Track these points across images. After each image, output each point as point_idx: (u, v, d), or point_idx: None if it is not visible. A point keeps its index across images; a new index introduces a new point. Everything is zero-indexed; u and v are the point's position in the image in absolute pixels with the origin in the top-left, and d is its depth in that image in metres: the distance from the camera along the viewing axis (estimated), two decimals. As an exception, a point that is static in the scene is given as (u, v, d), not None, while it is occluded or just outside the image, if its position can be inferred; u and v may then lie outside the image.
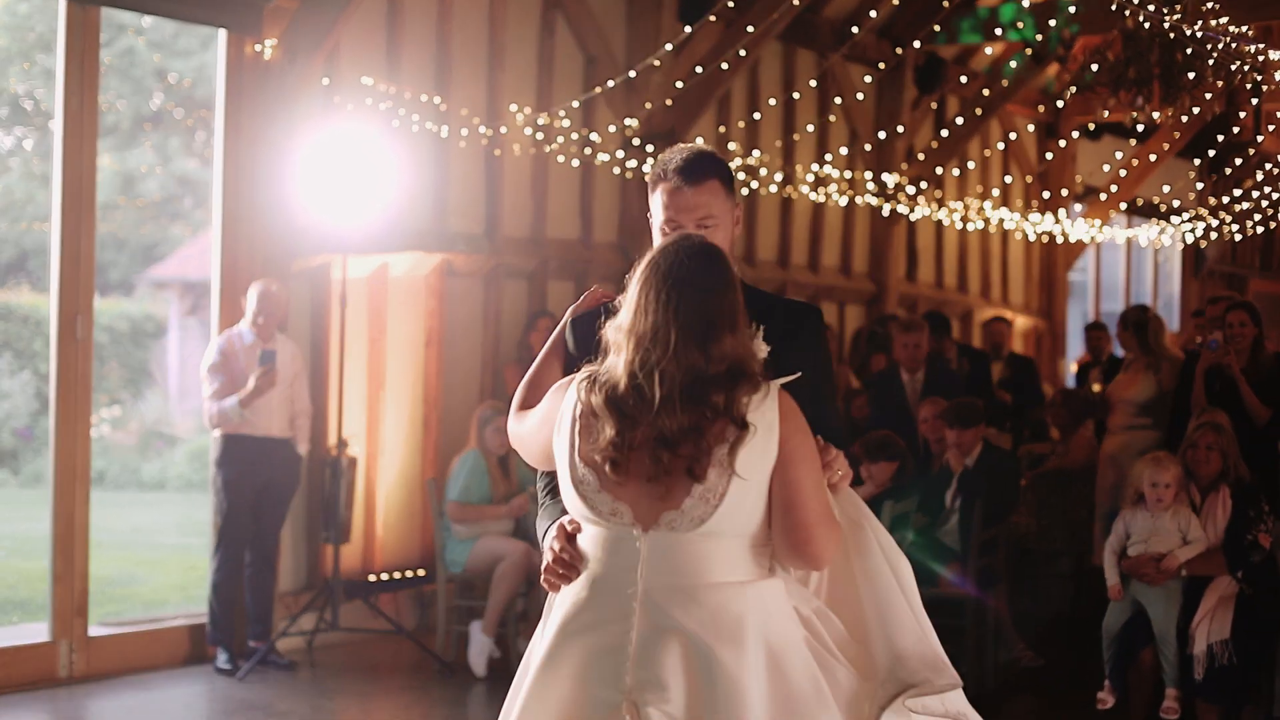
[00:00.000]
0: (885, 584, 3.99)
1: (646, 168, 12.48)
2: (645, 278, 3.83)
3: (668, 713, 3.73)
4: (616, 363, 3.81)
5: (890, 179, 15.02)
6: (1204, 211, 15.25)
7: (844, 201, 14.78)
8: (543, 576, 4.00)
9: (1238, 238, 15.17)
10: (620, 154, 12.36)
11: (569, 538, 3.96)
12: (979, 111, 16.31)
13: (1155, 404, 11.05)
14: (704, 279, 3.81)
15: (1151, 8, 10.52)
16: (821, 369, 4.39)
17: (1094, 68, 11.55)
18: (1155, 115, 11.69)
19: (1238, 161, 13.64)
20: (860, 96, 14.70)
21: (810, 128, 14.28)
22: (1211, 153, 13.41)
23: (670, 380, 3.71)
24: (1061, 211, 17.02)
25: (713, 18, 11.80)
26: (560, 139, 11.96)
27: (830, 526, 3.83)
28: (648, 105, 12.52)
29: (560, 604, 3.92)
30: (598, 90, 11.92)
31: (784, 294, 14.79)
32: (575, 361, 4.21)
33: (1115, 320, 12.09)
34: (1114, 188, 17.78)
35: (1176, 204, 16.29)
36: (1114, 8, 10.82)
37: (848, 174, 14.70)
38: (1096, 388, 13.16)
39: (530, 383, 4.23)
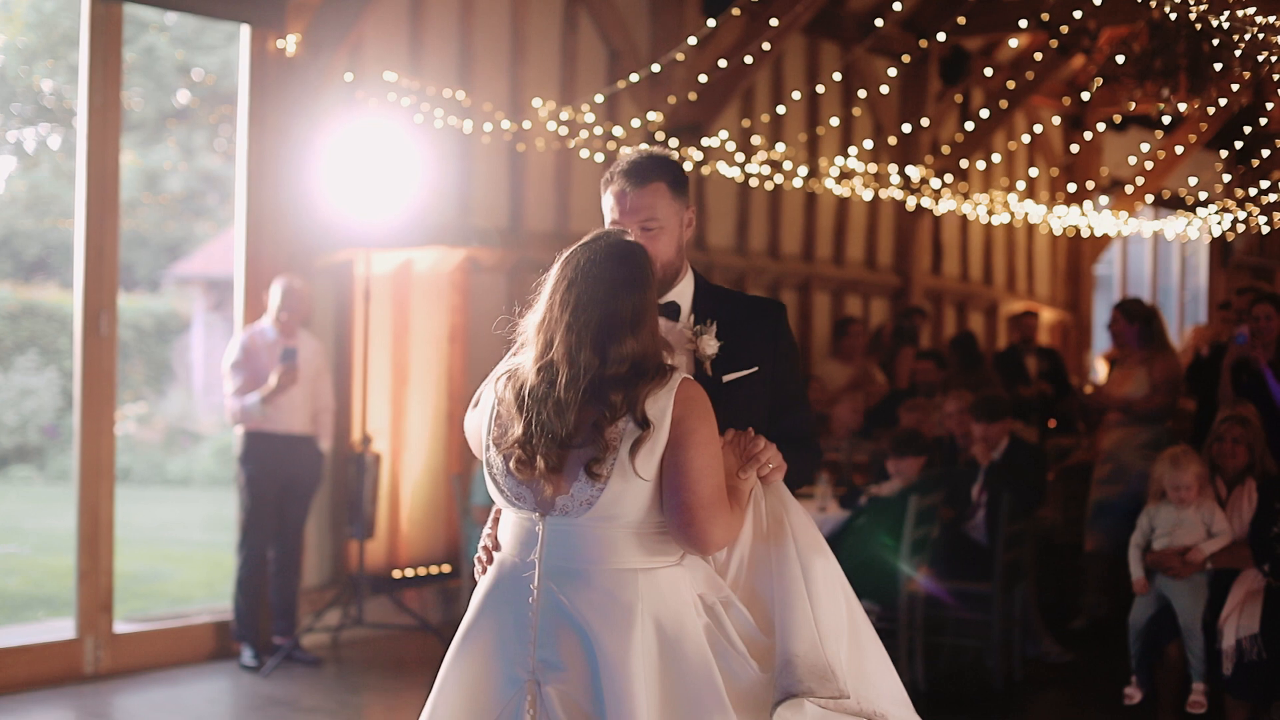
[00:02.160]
0: (790, 584, 4.02)
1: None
2: (556, 276, 3.99)
3: (565, 692, 3.87)
4: (527, 359, 3.96)
5: (915, 172, 14.96)
6: (1231, 203, 15.17)
7: (869, 195, 14.73)
8: (474, 563, 4.21)
9: (1265, 230, 15.07)
10: (644, 148, 12.31)
11: (495, 525, 4.16)
12: (1004, 104, 16.25)
13: (1149, 399, 11.02)
14: (610, 280, 3.91)
15: (1178, -1, 10.47)
16: (783, 363, 4.47)
17: (1120, 59, 11.48)
18: (1182, 107, 11.61)
19: (1265, 153, 13.54)
20: (885, 89, 14.64)
21: (835, 121, 14.23)
22: (1239, 144, 13.30)
23: (570, 380, 3.84)
24: (1087, 204, 16.93)
25: (736, 11, 11.76)
26: (584, 133, 11.94)
27: (717, 511, 3.88)
28: (671, 99, 12.50)
29: (479, 587, 4.10)
30: (621, 84, 11.89)
31: (809, 288, 14.80)
32: None
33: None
34: (1140, 180, 17.70)
35: (1203, 196, 16.17)
36: (1140, -1, 10.77)
37: (872, 167, 14.66)
38: (1089, 389, 13.09)
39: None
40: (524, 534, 3.99)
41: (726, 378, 4.34)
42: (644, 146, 4.56)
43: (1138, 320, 11.32)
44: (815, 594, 4.01)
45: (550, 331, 3.91)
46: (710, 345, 4.31)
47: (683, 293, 4.46)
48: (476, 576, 4.17)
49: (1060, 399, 13.93)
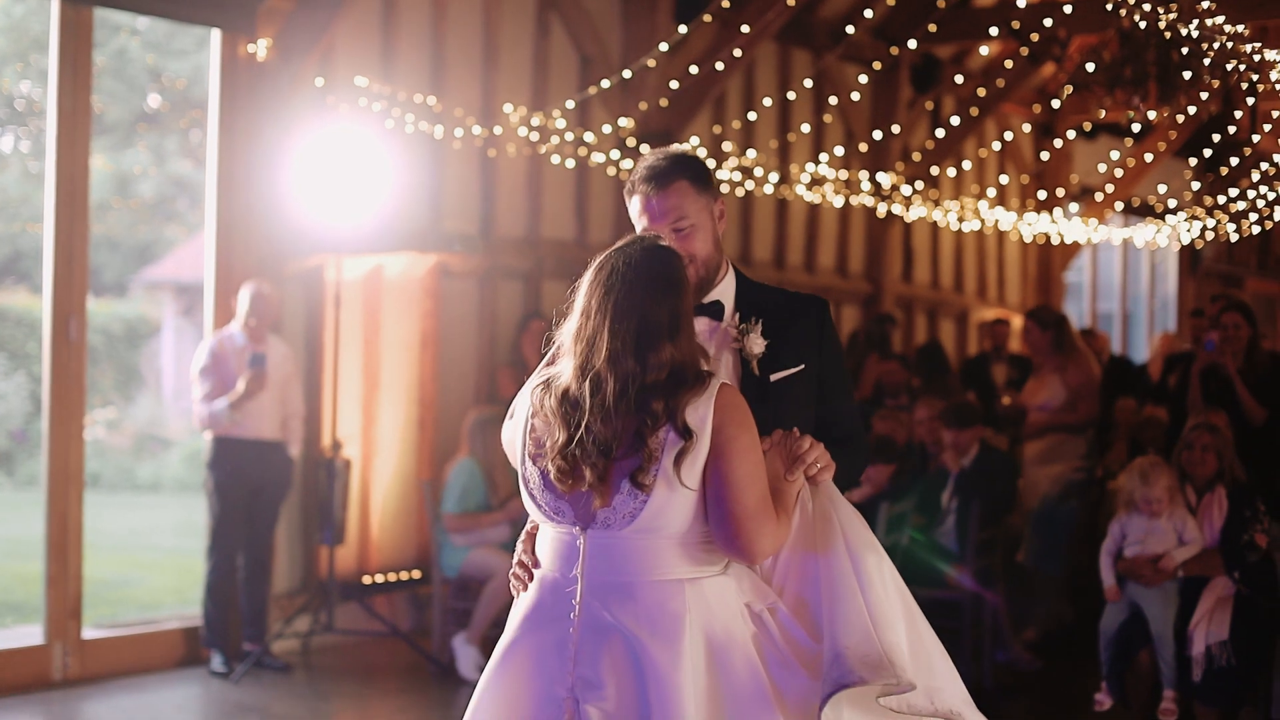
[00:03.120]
0: (840, 578, 3.96)
1: (642, 168, 12.44)
2: (591, 282, 3.91)
3: (604, 710, 3.81)
4: (566, 367, 3.88)
5: (886, 179, 14.98)
6: (1200, 211, 15.23)
7: (840, 202, 14.75)
8: (510, 582, 4.15)
9: (1234, 238, 15.13)
10: (615, 154, 12.34)
11: (532, 541, 4.10)
12: (975, 111, 16.28)
13: (1067, 406, 11.07)
14: (646, 286, 3.86)
15: (1148, 7, 10.50)
16: (828, 360, 4.42)
17: (1090, 67, 11.51)
18: (1151, 115, 11.64)
19: (1234, 161, 13.60)
20: (856, 96, 14.67)
21: (806, 128, 14.26)
22: (1208, 152, 13.36)
23: (611, 387, 3.78)
24: (1058, 211, 16.98)
25: (708, 18, 11.76)
26: (555, 139, 11.93)
27: (764, 520, 3.83)
28: (643, 105, 12.50)
29: (518, 605, 4.04)
30: (593, 90, 11.89)
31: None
32: None
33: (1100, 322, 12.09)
34: (1110, 187, 17.75)
35: (1173, 204, 16.25)
36: (1110, 7, 10.79)
37: (843, 174, 14.67)
38: (1006, 400, 13.09)
39: None
40: (564, 549, 3.92)
41: (774, 377, 4.31)
42: (656, 149, 4.46)
43: (1050, 327, 11.39)
44: (868, 585, 3.95)
45: (590, 339, 3.83)
46: (757, 344, 4.29)
47: (725, 290, 4.42)
48: (514, 594, 4.11)
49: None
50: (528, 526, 4.16)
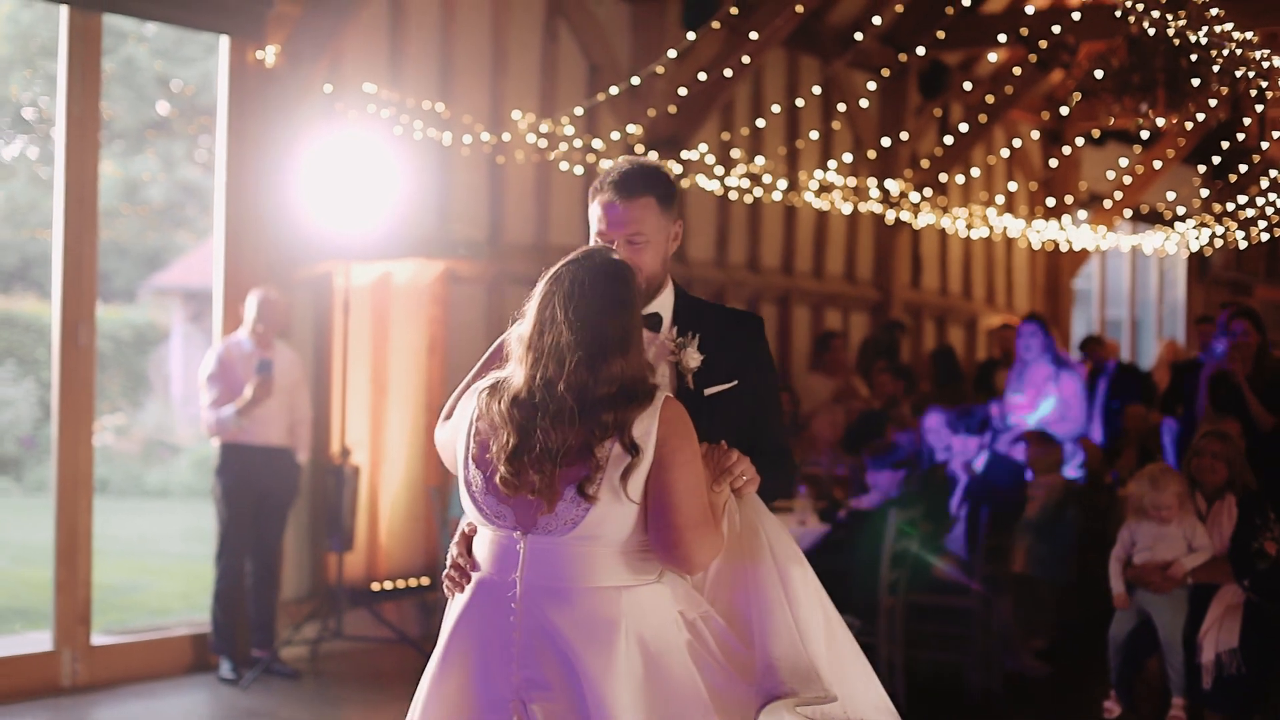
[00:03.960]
0: (768, 590, 4.02)
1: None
2: (545, 292, 3.95)
3: (553, 710, 3.85)
4: (516, 373, 3.92)
5: (895, 186, 14.99)
6: (1209, 218, 15.21)
7: (848, 209, 14.75)
8: (444, 584, 4.15)
9: (1242, 245, 15.13)
10: (634, 159, 12.31)
11: (468, 543, 4.13)
12: (983, 118, 16.29)
13: (1057, 416, 11.08)
14: (599, 300, 3.90)
15: (1156, 14, 10.50)
16: (761, 378, 4.46)
17: (1099, 74, 11.51)
18: (1160, 122, 11.65)
19: (1242, 168, 13.60)
20: (864, 103, 14.66)
21: (814, 134, 14.25)
22: (1216, 159, 13.36)
23: (563, 397, 3.82)
24: (1066, 218, 16.98)
25: (716, 25, 11.78)
26: (563, 146, 11.94)
27: (703, 531, 3.88)
28: (651, 112, 12.50)
29: (453, 606, 4.06)
30: (601, 97, 11.90)
31: (789, 301, 14.80)
32: None
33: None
34: (1118, 194, 17.74)
35: (1181, 211, 16.23)
36: (1119, 14, 10.79)
37: (852, 181, 14.67)
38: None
39: (464, 392, 4.26)
40: (503, 552, 3.95)
41: (708, 391, 4.33)
42: (630, 157, 4.47)
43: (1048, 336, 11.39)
44: (794, 599, 4.02)
45: (545, 349, 3.87)
46: (693, 358, 4.32)
47: (664, 304, 4.43)
48: (447, 594, 4.12)
49: None
50: (463, 528, 4.18)
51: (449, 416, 4.17)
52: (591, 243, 4.33)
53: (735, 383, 4.37)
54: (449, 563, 4.13)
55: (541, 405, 3.84)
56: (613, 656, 3.80)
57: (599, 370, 3.83)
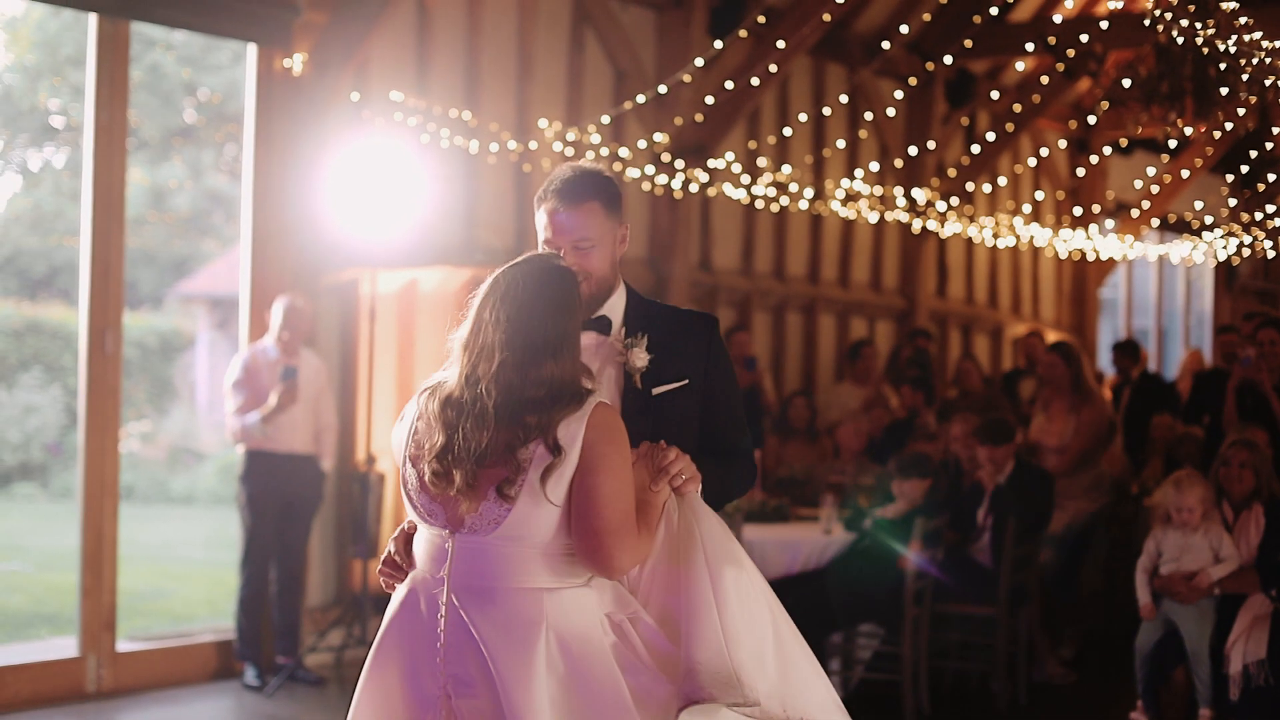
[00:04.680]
0: (696, 593, 4.00)
1: (676, 184, 12.46)
2: (488, 294, 4.01)
3: (476, 707, 3.88)
4: (452, 373, 3.99)
5: (921, 195, 14.96)
6: (1236, 228, 15.16)
7: (874, 217, 14.73)
8: (381, 580, 4.22)
9: (1270, 254, 15.06)
10: (650, 169, 12.34)
11: (406, 540, 4.17)
12: (1010, 127, 16.26)
13: (1078, 450, 10.99)
14: (533, 303, 3.96)
15: (1185, 22, 10.46)
16: (715, 377, 4.47)
17: (1126, 83, 11.47)
18: (1188, 131, 11.60)
19: (1271, 177, 13.53)
20: (891, 112, 14.66)
21: (841, 143, 14.24)
22: (1244, 168, 13.30)
23: (491, 398, 3.87)
24: (1093, 227, 16.94)
25: (743, 33, 11.77)
26: (590, 154, 11.93)
27: (624, 537, 3.88)
28: (678, 120, 12.50)
29: (391, 602, 4.11)
30: (627, 105, 11.90)
31: (814, 310, 14.79)
32: None
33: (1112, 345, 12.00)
34: (1146, 203, 17.69)
35: (1209, 220, 16.18)
36: (1147, 22, 10.76)
37: (878, 190, 14.65)
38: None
39: None
40: (435, 550, 3.98)
41: (656, 391, 4.35)
42: (574, 164, 4.48)
43: (1072, 360, 11.29)
44: (724, 602, 4.00)
45: (476, 349, 3.93)
46: (640, 358, 4.34)
47: (615, 306, 4.46)
48: (386, 589, 4.18)
49: None
50: (404, 525, 4.23)
51: (403, 418, 4.21)
52: (540, 250, 4.35)
53: (685, 382, 4.39)
54: (383, 558, 4.20)
55: (470, 405, 3.89)
56: (532, 658, 3.82)
57: (527, 372, 3.87)
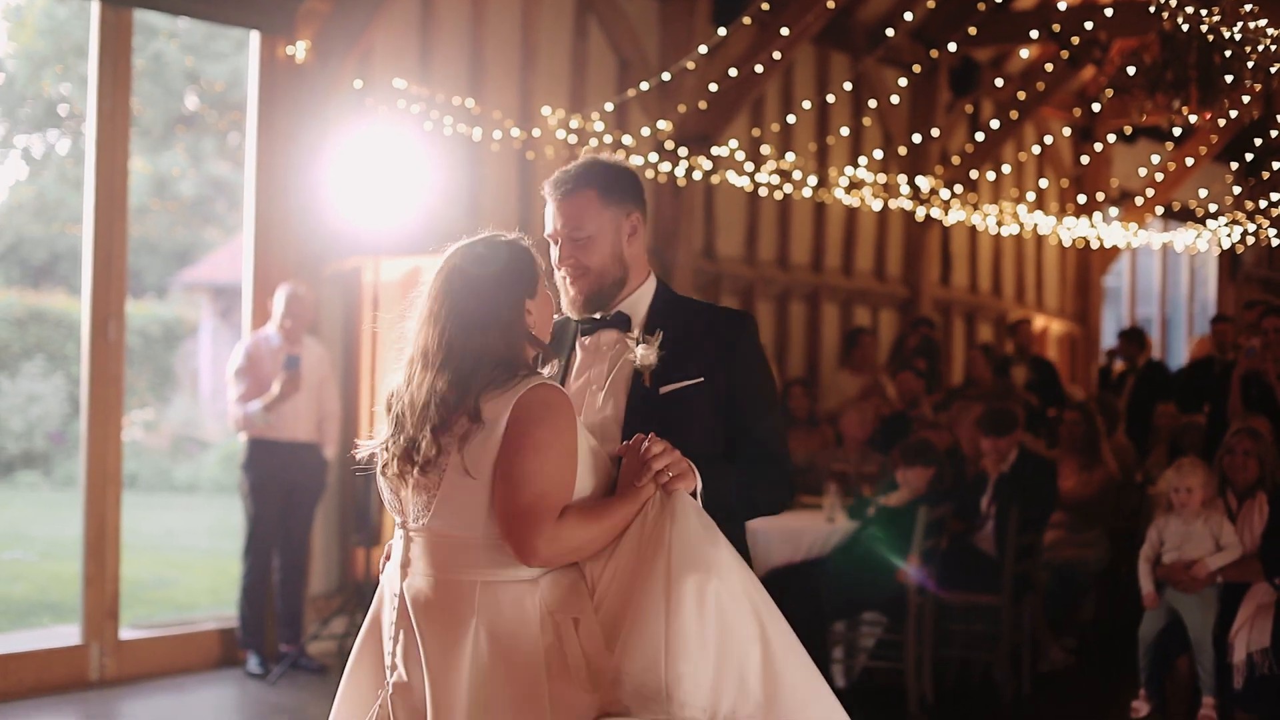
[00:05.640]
0: (647, 601, 3.74)
1: (680, 172, 12.45)
2: (434, 277, 4.04)
3: (403, 699, 3.88)
4: (402, 363, 3.96)
5: (925, 183, 14.94)
6: (1241, 216, 15.14)
7: (878, 205, 14.71)
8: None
9: (1275, 242, 15.05)
10: (654, 157, 12.32)
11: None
12: (1014, 115, 16.24)
13: (1087, 503, 10.93)
14: (470, 280, 3.95)
15: (1190, 9, 10.44)
16: (740, 377, 4.24)
17: (1131, 70, 11.45)
18: (1192, 119, 11.58)
19: (1276, 165, 13.51)
20: (895, 99, 14.63)
21: (844, 131, 14.23)
22: (1249, 156, 13.28)
23: (423, 380, 3.83)
24: (1097, 215, 16.92)
25: (746, 20, 11.75)
26: (593, 142, 11.92)
27: (536, 521, 3.71)
28: (681, 108, 12.48)
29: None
30: (631, 93, 11.88)
31: (818, 298, 14.78)
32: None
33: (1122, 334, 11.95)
34: (1150, 192, 17.68)
35: (1213, 208, 16.17)
36: (1152, 10, 10.74)
37: (882, 178, 14.64)
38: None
39: None
40: (399, 541, 3.97)
41: (664, 389, 4.17)
42: (595, 155, 4.39)
43: (1092, 423, 11.21)
44: (676, 611, 3.70)
45: (417, 333, 3.92)
46: (646, 356, 4.18)
47: (638, 302, 4.32)
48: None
49: (1045, 410, 13.74)
50: None
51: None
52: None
53: (696, 381, 4.18)
54: (385, 552, 4.18)
55: (408, 389, 3.86)
56: (455, 650, 3.77)
57: (460, 349, 3.82)
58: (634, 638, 3.70)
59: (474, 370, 3.80)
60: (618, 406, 4.22)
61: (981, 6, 12.92)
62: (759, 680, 3.76)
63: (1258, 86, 11.06)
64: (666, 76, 11.79)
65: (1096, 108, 14.34)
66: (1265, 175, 13.87)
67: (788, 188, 13.79)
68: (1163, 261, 22.61)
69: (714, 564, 3.79)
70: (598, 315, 4.32)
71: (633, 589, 3.78)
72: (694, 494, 3.96)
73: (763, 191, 13.72)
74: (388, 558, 4.08)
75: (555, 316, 4.20)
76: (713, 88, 12.31)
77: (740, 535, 4.19)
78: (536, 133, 11.67)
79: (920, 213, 15.29)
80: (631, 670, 3.68)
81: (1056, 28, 13.73)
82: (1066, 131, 18.95)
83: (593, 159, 4.34)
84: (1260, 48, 10.61)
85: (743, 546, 4.13)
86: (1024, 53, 16.24)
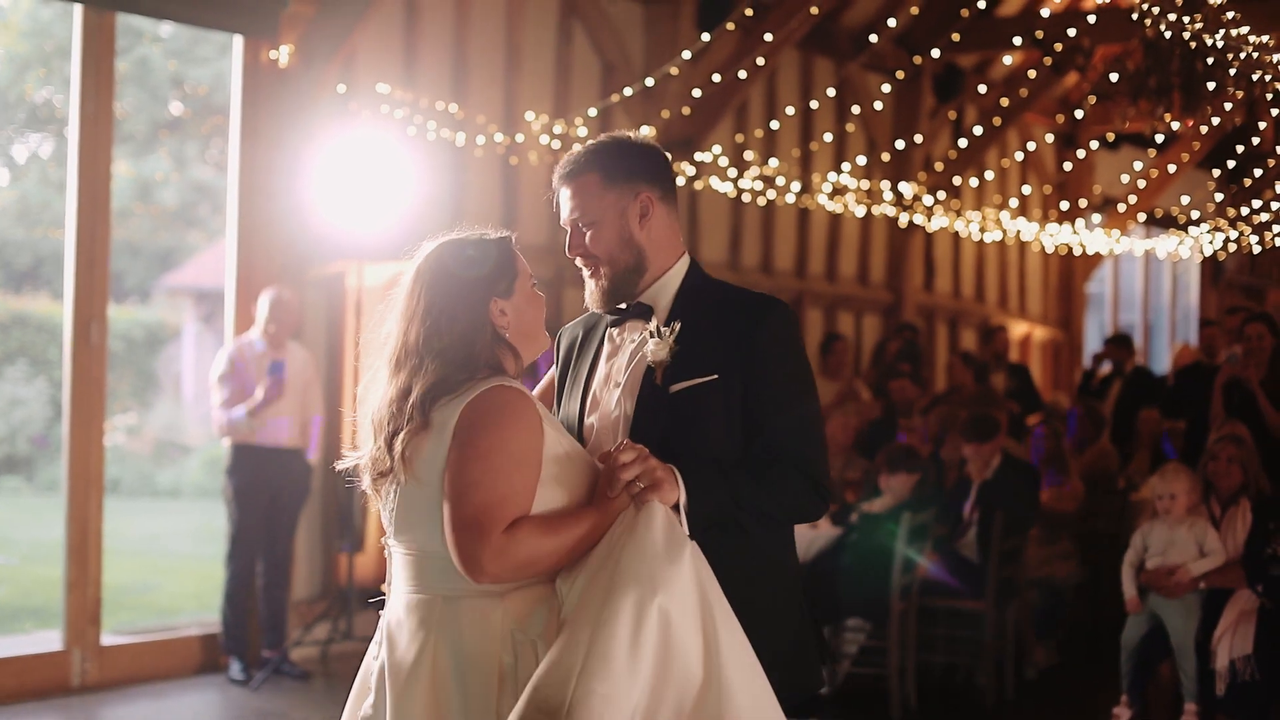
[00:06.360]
0: (580, 615, 3.54)
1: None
2: (400, 284, 3.92)
3: (375, 713, 3.83)
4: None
5: (908, 189, 14.96)
6: (1223, 223, 15.19)
7: (861, 211, 14.73)
8: None
9: (1256, 249, 15.08)
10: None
11: None
12: (997, 121, 16.26)
13: (1058, 513, 10.99)
14: (433, 281, 3.84)
15: (1172, 17, 10.47)
16: (761, 372, 3.90)
17: (1114, 77, 11.47)
18: (1175, 125, 11.61)
19: (1257, 173, 13.56)
20: (878, 105, 14.64)
21: (828, 137, 14.23)
22: (1231, 164, 13.33)
23: (389, 394, 3.76)
24: (1080, 222, 16.95)
25: (731, 26, 11.76)
26: (577, 147, 11.87)
27: (479, 535, 3.55)
28: (665, 114, 12.48)
29: None
30: (615, 98, 11.88)
31: (801, 304, 14.78)
32: (563, 370, 4.23)
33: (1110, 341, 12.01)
34: (1133, 198, 17.71)
35: (1195, 215, 16.21)
36: (1134, 17, 10.77)
37: (865, 184, 14.66)
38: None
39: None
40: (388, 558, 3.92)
41: (674, 388, 3.88)
42: (603, 136, 4.19)
43: (1058, 436, 11.33)
44: (607, 628, 3.46)
45: (389, 337, 3.85)
46: (658, 351, 3.91)
47: (662, 291, 4.06)
48: None
49: (1025, 416, 13.76)
50: None
51: None
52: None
53: (710, 378, 3.86)
54: None
55: (375, 402, 3.81)
56: (412, 666, 3.68)
57: (416, 354, 3.72)
58: (555, 653, 3.50)
59: (434, 373, 3.68)
60: (631, 405, 3.95)
61: (965, 13, 12.94)
62: (702, 703, 3.52)
63: (1240, 94, 11.09)
64: (650, 81, 11.79)
65: (1079, 114, 14.39)
66: (1247, 182, 13.93)
67: (771, 193, 13.80)
68: (1145, 268, 22.65)
69: (664, 581, 3.53)
70: (623, 306, 4.07)
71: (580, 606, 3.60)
72: (677, 504, 3.70)
73: (746, 197, 13.72)
74: None
75: (585, 310, 4.13)
76: (696, 93, 12.31)
77: (765, 545, 3.93)
78: (520, 138, 11.66)
79: (904, 219, 15.30)
80: (539, 685, 3.48)
81: (1040, 34, 13.76)
82: (1050, 138, 18.99)
83: (603, 138, 4.14)
84: (1243, 55, 10.64)
85: (767, 557, 3.93)
86: (1007, 59, 16.26)
